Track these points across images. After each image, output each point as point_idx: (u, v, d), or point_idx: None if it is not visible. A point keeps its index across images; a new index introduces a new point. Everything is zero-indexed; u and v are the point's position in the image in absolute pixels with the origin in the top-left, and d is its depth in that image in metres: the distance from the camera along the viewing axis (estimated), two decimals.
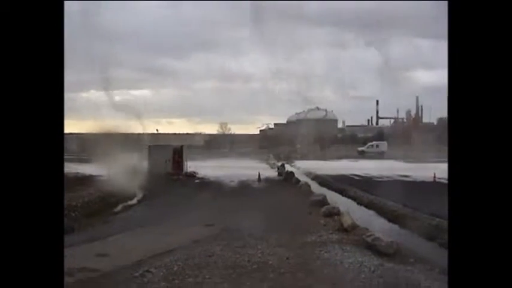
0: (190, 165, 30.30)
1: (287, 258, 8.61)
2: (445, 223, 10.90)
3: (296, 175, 27.95)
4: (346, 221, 11.86)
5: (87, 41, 28.50)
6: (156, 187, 22.10)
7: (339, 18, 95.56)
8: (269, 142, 65.76)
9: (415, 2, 58.14)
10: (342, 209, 14.24)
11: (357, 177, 28.99)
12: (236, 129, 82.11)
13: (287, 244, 9.90)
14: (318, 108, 78.45)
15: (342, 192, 21.94)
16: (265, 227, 11.66)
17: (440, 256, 8.07)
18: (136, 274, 7.55)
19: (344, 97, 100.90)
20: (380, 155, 52.66)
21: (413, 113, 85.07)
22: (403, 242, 10.40)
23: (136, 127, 32.21)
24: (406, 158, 43.31)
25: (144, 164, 27.42)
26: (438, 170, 23.25)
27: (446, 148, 3.53)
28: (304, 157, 48.46)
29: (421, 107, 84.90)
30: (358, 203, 18.91)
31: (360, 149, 59.21)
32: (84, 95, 70.52)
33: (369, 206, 17.90)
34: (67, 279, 5.87)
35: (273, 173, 31.40)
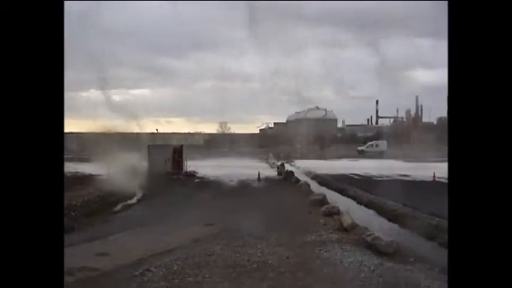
0: (190, 165, 30.24)
1: (287, 258, 8.62)
2: (444, 222, 10.90)
3: (296, 174, 27.87)
4: (346, 221, 11.86)
5: (87, 41, 28.50)
6: (155, 186, 22.04)
7: (338, 18, 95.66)
8: (269, 141, 65.73)
9: (414, 1, 58.15)
10: (341, 208, 14.24)
11: (356, 177, 28.97)
12: (236, 129, 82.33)
13: (287, 243, 9.91)
14: (317, 108, 78.49)
15: (341, 192, 21.88)
16: (265, 226, 11.67)
17: (440, 255, 8.06)
18: (136, 273, 7.56)
19: (344, 97, 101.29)
20: (380, 155, 52.63)
21: (413, 112, 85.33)
22: (403, 242, 10.41)
23: (136, 126, 32.20)
24: (406, 158, 43.25)
25: (144, 164, 27.34)
26: (438, 169, 23.29)
27: (446, 148, 3.53)
28: (303, 156, 48.44)
29: (421, 106, 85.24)
30: (357, 203, 18.87)
31: (359, 148, 59.23)
32: (84, 94, 70.71)
33: (368, 205, 17.86)
34: (67, 279, 5.89)
35: (272, 173, 31.38)
